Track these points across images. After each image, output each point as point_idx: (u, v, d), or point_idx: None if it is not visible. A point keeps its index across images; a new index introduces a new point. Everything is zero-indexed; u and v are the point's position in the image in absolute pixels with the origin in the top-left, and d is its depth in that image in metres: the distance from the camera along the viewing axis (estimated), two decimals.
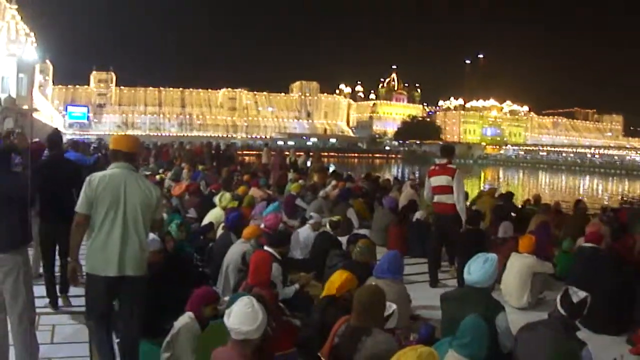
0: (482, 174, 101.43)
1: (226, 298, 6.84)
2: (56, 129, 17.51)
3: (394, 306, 6.05)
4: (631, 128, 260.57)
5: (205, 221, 12.39)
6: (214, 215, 12.53)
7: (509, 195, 18.04)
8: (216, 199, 13.14)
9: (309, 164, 28.64)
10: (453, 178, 10.94)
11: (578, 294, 5.69)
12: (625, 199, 63.54)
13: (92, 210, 6.01)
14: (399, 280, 7.67)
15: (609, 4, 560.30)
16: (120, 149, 6.33)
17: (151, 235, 7.29)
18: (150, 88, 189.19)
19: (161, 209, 7.05)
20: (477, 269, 6.28)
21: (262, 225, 10.21)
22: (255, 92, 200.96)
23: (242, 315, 4.74)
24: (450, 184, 10.95)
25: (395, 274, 7.58)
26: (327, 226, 11.97)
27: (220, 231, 11.10)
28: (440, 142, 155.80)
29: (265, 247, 8.68)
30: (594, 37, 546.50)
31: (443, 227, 11.32)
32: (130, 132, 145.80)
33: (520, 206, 18.30)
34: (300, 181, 20.04)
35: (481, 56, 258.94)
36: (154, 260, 7.56)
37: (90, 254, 6.10)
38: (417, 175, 62.89)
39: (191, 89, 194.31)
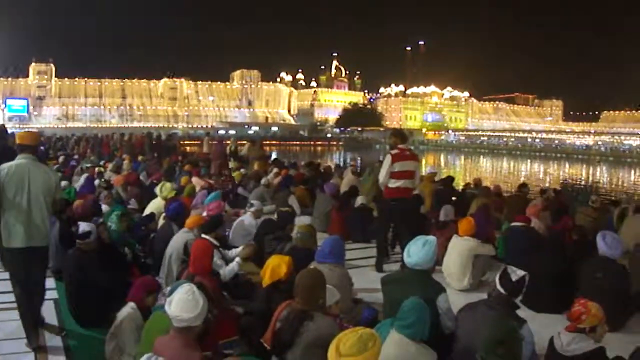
0: (424, 160, 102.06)
1: (169, 288, 6.85)
2: (3, 125, 18.00)
3: (338, 295, 6.08)
4: (571, 112, 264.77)
5: (147, 212, 12.34)
6: (155, 205, 12.47)
7: (449, 179, 18.20)
8: (157, 190, 13.08)
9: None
10: (417, 163, 11.07)
11: (517, 273, 5.78)
12: (565, 181, 64.51)
13: (2, 195, 6.94)
14: (340, 265, 7.64)
15: None
16: (25, 143, 7.36)
17: (85, 225, 8.08)
18: (91, 79, 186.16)
19: (59, 190, 7.85)
20: (416, 251, 6.35)
21: (205, 214, 10.19)
22: (196, 82, 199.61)
23: (182, 303, 4.76)
24: (415, 169, 10.99)
25: (336, 259, 7.56)
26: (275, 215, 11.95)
27: (161, 221, 11.05)
28: (381, 129, 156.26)
29: (202, 235, 8.69)
30: (534, 23, 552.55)
31: (405, 211, 11.14)
32: (70, 124, 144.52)
33: (460, 190, 18.46)
34: (242, 170, 20.05)
35: (422, 43, 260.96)
36: (88, 249, 7.87)
37: (3, 231, 7.07)
38: (358, 161, 63.21)
39: (131, 80, 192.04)
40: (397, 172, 10.75)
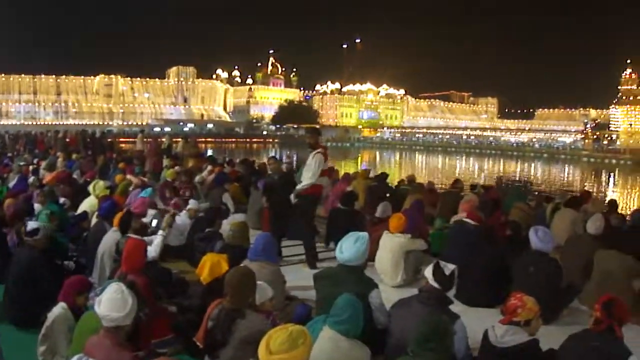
0: (360, 157, 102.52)
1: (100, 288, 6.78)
2: None
3: (270, 292, 6.06)
4: (506, 110, 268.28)
5: (80, 210, 12.21)
6: (89, 204, 12.34)
7: (383, 175, 18.21)
8: (90, 188, 12.94)
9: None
10: None
11: (448, 267, 5.84)
12: (500, 177, 65.43)
13: None
14: (272, 262, 7.63)
15: None
16: None
17: (33, 223, 8.08)
18: (24, 76, 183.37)
19: None
20: (348, 247, 6.38)
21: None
22: (132, 78, 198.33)
23: (111, 302, 4.72)
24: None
25: (269, 256, 7.54)
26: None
27: (94, 220, 10.93)
28: (317, 126, 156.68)
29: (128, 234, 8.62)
30: (470, 21, 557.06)
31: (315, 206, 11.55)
32: (4, 121, 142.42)
33: (394, 186, 18.54)
34: (176, 167, 19.92)
35: (358, 41, 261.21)
36: (36, 246, 7.84)
37: None
38: (294, 158, 63.31)
39: (66, 76, 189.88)
40: (322, 170, 11.03)
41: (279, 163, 16.19)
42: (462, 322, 5.67)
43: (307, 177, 11.02)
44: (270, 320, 5.72)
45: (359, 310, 5.09)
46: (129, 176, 16.09)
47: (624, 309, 5.31)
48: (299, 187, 11.09)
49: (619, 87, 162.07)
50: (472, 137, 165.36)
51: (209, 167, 19.16)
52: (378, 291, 6.25)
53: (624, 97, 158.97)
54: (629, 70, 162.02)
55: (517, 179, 69.23)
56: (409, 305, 5.94)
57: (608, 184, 73.21)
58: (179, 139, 32.41)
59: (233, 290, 5.50)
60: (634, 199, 50.32)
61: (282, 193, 11.84)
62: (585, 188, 38.97)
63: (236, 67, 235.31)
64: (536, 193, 26.76)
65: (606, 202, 14.00)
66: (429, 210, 13.91)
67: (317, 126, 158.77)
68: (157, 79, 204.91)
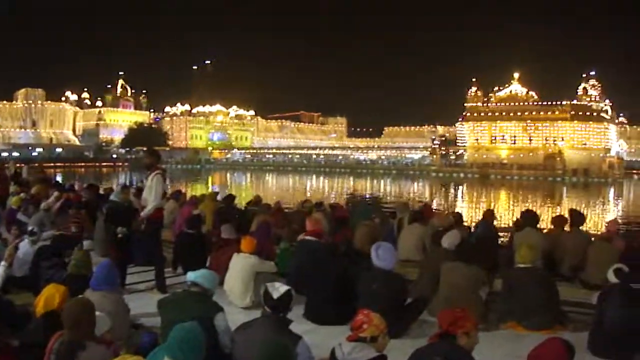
0: (210, 179, 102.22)
1: None
2: None
3: (110, 322, 5.95)
4: (354, 129, 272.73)
5: None
6: None
7: (230, 197, 18.20)
8: None
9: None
10: None
11: (278, 290, 5.86)
12: (350, 195, 66.42)
13: None
14: (115, 291, 7.52)
15: (321, 11, 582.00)
16: None
17: None
18: None
19: None
20: (195, 271, 6.33)
21: None
22: None
23: None
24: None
25: (111, 285, 7.40)
26: None
27: None
28: (167, 149, 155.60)
29: None
30: (319, 42, 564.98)
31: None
32: None
33: (243, 208, 18.55)
34: (22, 194, 19.39)
35: (208, 62, 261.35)
36: None
37: None
38: (144, 182, 62.62)
39: None
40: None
41: (128, 192, 15.90)
42: (305, 342, 5.68)
43: (150, 201, 10.92)
44: (112, 350, 5.61)
45: (198, 337, 5.00)
46: None
47: (466, 319, 5.42)
48: (145, 211, 10.95)
49: (465, 105, 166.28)
50: (322, 157, 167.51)
51: (56, 194, 18.72)
52: (223, 314, 6.21)
53: (469, 114, 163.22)
54: (474, 88, 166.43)
55: (367, 196, 70.42)
56: (250, 328, 5.95)
57: (456, 197, 75.38)
58: (23, 165, 31.64)
59: (71, 322, 5.39)
60: (479, 211, 51.97)
61: (124, 218, 11.71)
62: (426, 202, 39.86)
63: (86, 90, 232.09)
64: (387, 209, 27.19)
65: (451, 215, 14.36)
66: (277, 230, 13.95)
67: (168, 148, 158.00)
68: (4, 101, 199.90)
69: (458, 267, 9.28)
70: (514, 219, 15.98)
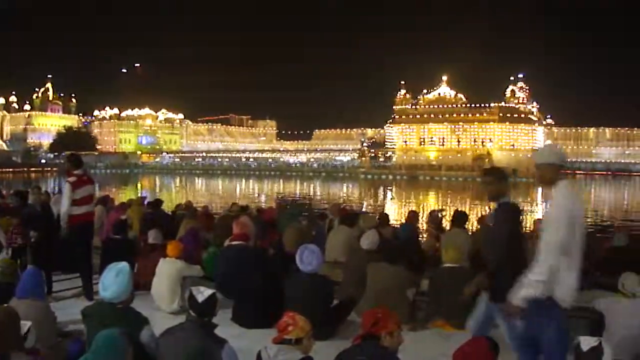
0: (139, 183, 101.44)
1: None
2: None
3: (29, 323, 5.84)
4: (282, 132, 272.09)
5: None
6: None
7: (158, 202, 18.09)
8: None
9: None
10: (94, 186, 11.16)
11: (203, 294, 5.82)
12: (279, 197, 66.60)
13: None
14: (41, 299, 7.39)
15: (257, 16, 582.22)
16: None
17: None
18: None
19: None
20: (110, 283, 6.07)
21: None
22: None
23: None
24: (93, 193, 11.09)
25: (36, 293, 7.27)
26: None
27: None
28: (96, 153, 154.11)
29: None
30: (248, 44, 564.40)
31: (90, 236, 11.33)
32: None
33: (171, 212, 18.44)
34: None
35: (138, 65, 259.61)
36: None
37: None
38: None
39: None
40: (80, 198, 10.83)
41: (42, 194, 15.71)
42: (230, 346, 5.67)
43: (62, 209, 10.91)
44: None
45: (120, 346, 4.88)
46: None
47: (388, 319, 5.45)
48: (62, 219, 10.84)
49: (394, 107, 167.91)
50: (252, 160, 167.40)
51: None
52: (149, 327, 6.02)
53: (398, 117, 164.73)
54: (403, 91, 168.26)
55: (296, 198, 70.52)
56: (173, 334, 5.86)
57: (385, 198, 75.92)
58: None
59: None
60: (406, 212, 52.47)
61: (38, 222, 11.59)
62: (352, 204, 40.17)
63: (13, 93, 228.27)
64: (317, 211, 27.27)
65: (377, 216, 14.46)
66: (205, 234, 13.91)
67: (97, 153, 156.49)
68: None
69: (383, 267, 9.37)
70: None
